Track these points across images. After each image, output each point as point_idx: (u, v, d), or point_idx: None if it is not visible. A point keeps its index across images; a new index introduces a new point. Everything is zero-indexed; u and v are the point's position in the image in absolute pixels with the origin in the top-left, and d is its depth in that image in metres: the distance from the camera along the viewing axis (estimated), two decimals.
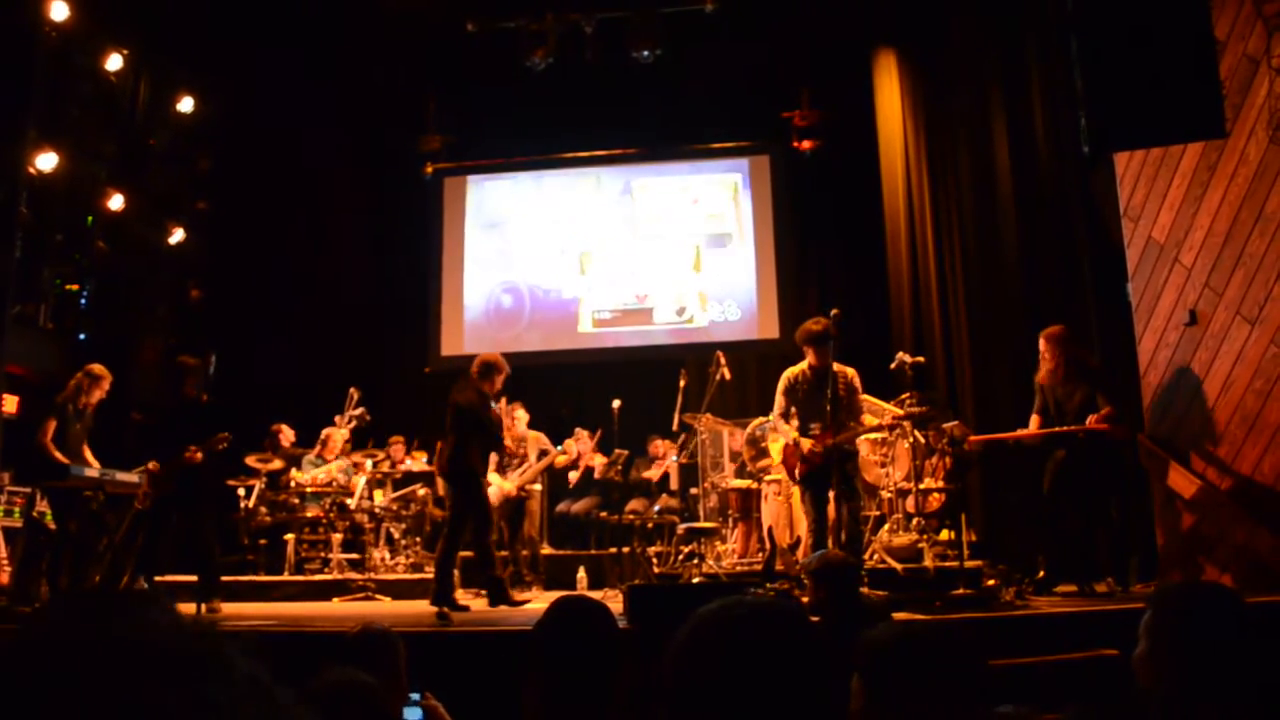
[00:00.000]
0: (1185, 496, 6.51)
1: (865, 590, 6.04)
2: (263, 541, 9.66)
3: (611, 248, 12.72)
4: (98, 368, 7.73)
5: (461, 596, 7.58)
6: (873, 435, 7.92)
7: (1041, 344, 7.10)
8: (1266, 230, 6.24)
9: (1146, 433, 6.87)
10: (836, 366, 7.00)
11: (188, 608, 6.56)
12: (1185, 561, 6.51)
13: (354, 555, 9.52)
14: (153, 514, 7.42)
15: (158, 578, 7.60)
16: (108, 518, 7.42)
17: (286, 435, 10.44)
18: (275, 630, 5.55)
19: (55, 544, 7.36)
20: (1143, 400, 6.96)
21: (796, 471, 7.03)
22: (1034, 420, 7.13)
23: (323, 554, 9.44)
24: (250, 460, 9.71)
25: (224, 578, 9.03)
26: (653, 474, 10.50)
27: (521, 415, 9.49)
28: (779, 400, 7.21)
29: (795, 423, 7.11)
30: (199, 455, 7.29)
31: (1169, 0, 5.81)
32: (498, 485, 9.13)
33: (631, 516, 8.97)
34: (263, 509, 9.63)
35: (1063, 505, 6.67)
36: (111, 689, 0.68)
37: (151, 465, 7.38)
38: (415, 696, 3.39)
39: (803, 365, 7.15)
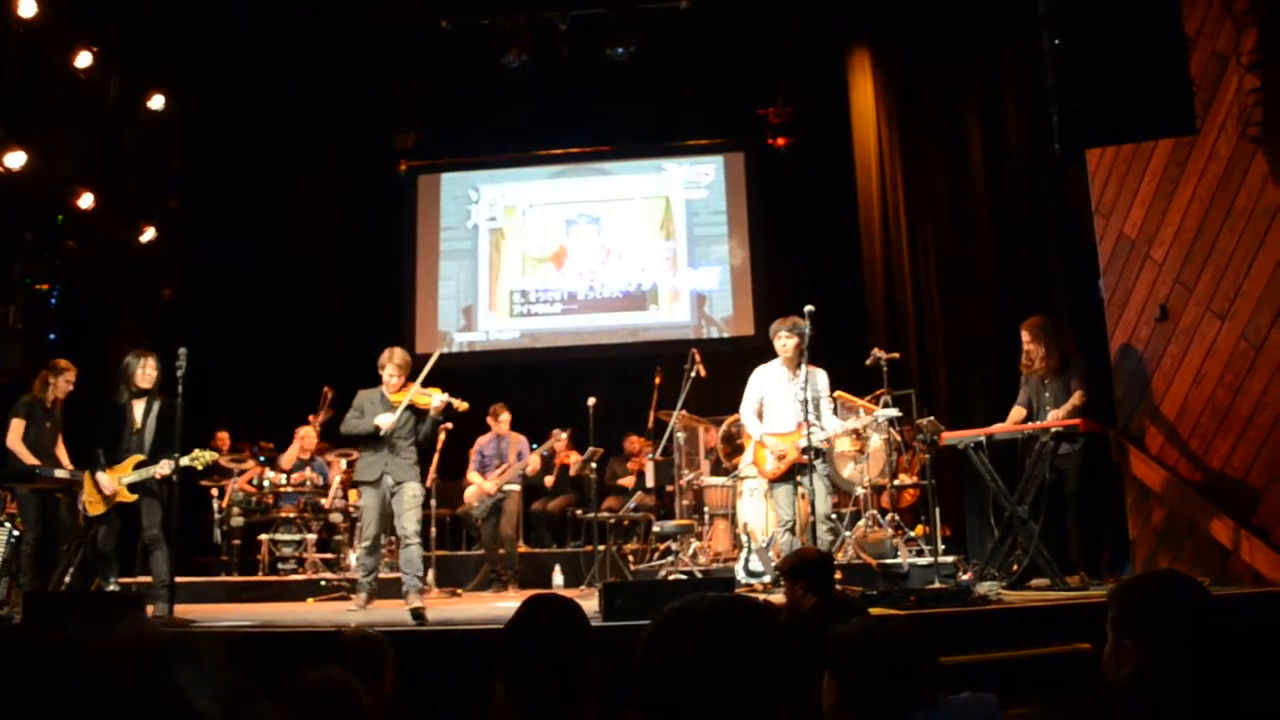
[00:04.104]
0: (1156, 490, 6.54)
1: (840, 586, 6.07)
2: (236, 542, 9.60)
3: (585, 244, 12.71)
4: (61, 361, 7.64)
5: (436, 596, 7.57)
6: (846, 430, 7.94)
7: (1025, 335, 7.09)
8: (1236, 226, 6.28)
9: (1118, 427, 6.90)
10: (807, 366, 7.03)
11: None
12: (1156, 555, 6.55)
13: (328, 555, 9.47)
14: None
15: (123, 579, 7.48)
16: (76, 519, 7.34)
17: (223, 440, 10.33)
18: (250, 632, 5.51)
19: (21, 546, 7.28)
20: (1114, 394, 6.99)
21: (769, 469, 7.05)
22: (1016, 412, 7.14)
23: (297, 554, 9.39)
24: (223, 460, 9.65)
25: (198, 579, 8.99)
26: (631, 466, 10.51)
27: (505, 417, 9.54)
28: (749, 397, 7.25)
29: (765, 420, 7.15)
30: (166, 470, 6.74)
31: None
32: (477, 484, 9.14)
33: (606, 514, 8.95)
34: (235, 509, 9.57)
35: (1036, 500, 6.68)
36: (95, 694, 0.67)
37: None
38: None
39: (774, 362, 7.18)
